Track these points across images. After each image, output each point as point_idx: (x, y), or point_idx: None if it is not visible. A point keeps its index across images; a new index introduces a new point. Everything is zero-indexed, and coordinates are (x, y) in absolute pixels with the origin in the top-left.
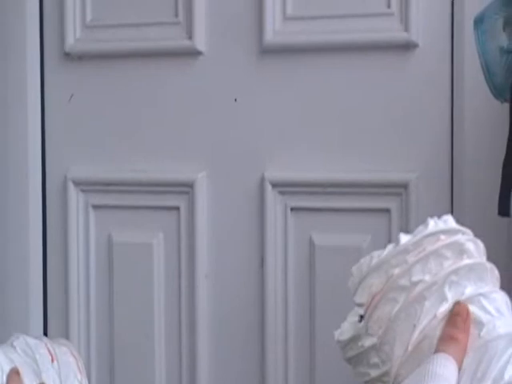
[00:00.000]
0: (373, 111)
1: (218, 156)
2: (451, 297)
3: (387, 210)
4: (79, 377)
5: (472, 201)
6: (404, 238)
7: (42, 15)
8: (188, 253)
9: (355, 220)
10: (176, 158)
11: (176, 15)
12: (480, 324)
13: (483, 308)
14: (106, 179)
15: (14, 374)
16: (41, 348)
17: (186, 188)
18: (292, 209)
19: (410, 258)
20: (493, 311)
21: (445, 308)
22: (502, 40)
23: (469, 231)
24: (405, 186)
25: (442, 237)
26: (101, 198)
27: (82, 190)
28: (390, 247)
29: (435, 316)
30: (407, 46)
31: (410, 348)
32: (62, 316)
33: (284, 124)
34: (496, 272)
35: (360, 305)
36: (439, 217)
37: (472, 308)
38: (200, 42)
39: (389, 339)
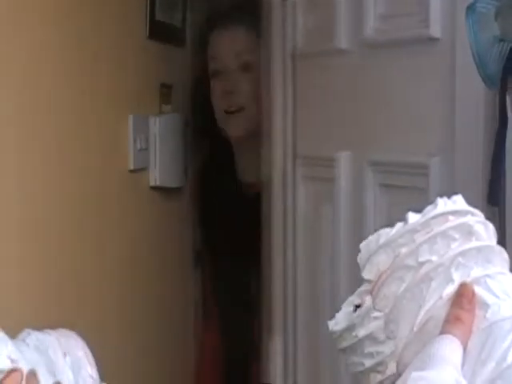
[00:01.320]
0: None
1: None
2: (457, 278)
3: None
4: (90, 371)
5: None
6: (412, 217)
7: None
8: None
9: None
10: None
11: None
12: (485, 305)
13: (489, 289)
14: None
15: (32, 376)
16: (53, 343)
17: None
18: None
19: (418, 238)
20: (499, 293)
21: (451, 289)
22: (494, 30)
23: (479, 212)
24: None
25: (451, 217)
26: None
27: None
28: (398, 225)
29: (441, 297)
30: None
31: (415, 328)
32: None
33: None
34: (505, 255)
35: (368, 281)
36: (449, 197)
37: (478, 289)
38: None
39: (395, 318)
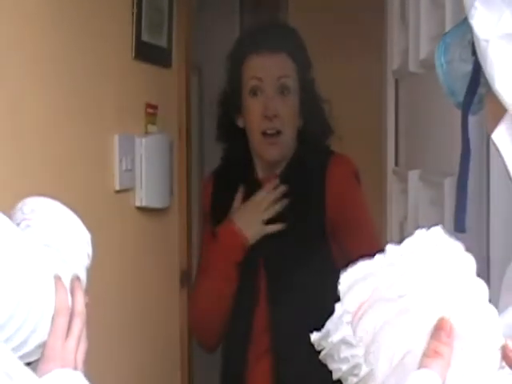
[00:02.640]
0: None
1: None
2: (435, 312)
3: None
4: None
5: None
6: (391, 250)
7: None
8: None
9: None
10: None
11: None
12: (463, 338)
13: (466, 322)
14: None
15: (77, 280)
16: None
17: None
18: None
19: (397, 271)
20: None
21: (429, 323)
22: (464, 66)
23: (458, 244)
24: None
25: (427, 252)
26: None
27: None
28: (377, 257)
29: (420, 330)
30: None
31: (393, 362)
32: None
33: None
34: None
35: (348, 312)
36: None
37: (456, 322)
38: None
39: (374, 350)
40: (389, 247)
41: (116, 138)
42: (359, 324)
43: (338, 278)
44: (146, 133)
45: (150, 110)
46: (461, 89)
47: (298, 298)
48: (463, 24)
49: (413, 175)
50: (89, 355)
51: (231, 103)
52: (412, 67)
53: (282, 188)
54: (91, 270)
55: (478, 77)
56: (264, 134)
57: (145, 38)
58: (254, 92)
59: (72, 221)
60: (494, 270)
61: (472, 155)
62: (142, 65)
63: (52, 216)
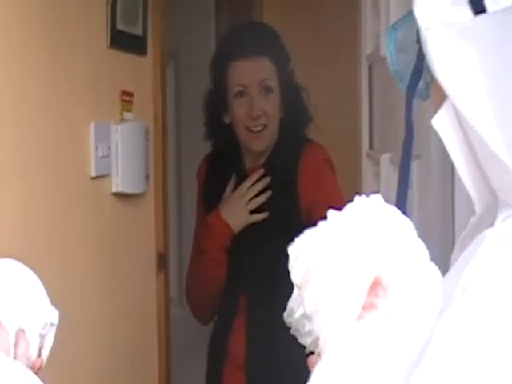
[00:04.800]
0: None
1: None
2: (373, 270)
3: None
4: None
5: None
6: (333, 216)
7: None
8: None
9: None
10: None
11: None
12: (398, 292)
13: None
14: None
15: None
16: None
17: None
18: None
19: (337, 236)
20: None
21: (368, 280)
22: (412, 54)
23: (396, 210)
24: None
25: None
26: None
27: None
28: (321, 224)
29: (359, 287)
30: None
31: (337, 321)
32: None
33: None
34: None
35: (296, 285)
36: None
37: (391, 279)
38: None
39: (322, 312)
40: (330, 213)
41: (92, 125)
42: (306, 289)
43: None
44: (122, 120)
45: (126, 98)
46: (408, 76)
47: (274, 271)
48: (411, 13)
49: (384, 158)
50: (66, 339)
51: (218, 104)
52: (383, 52)
53: (266, 180)
54: (68, 256)
55: (421, 64)
56: (249, 129)
57: (120, 26)
58: (239, 95)
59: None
60: None
61: (438, 140)
62: (117, 53)
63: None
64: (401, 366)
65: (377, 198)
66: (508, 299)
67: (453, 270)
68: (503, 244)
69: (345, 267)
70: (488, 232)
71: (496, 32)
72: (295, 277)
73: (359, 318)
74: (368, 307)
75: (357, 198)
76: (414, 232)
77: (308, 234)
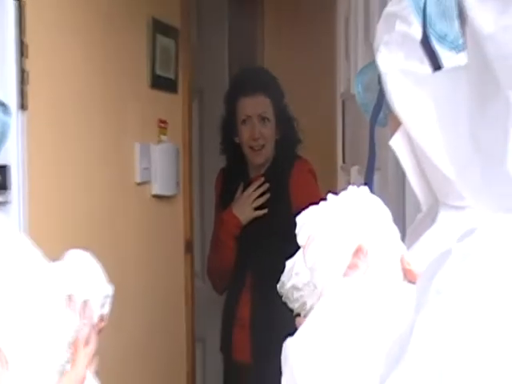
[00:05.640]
0: None
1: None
2: (357, 239)
3: None
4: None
5: None
6: (331, 198)
7: None
8: None
9: None
10: None
11: None
12: (375, 257)
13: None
14: None
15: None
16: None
17: None
18: None
19: (333, 213)
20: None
21: (353, 247)
22: (375, 92)
23: (379, 199)
24: None
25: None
26: None
27: None
28: (321, 203)
29: (346, 252)
30: None
31: (330, 274)
32: None
33: None
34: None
35: (301, 245)
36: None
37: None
38: None
39: (319, 268)
40: (329, 196)
41: (137, 145)
42: (308, 250)
43: None
44: (159, 141)
45: (162, 125)
46: (371, 109)
47: (272, 254)
48: (374, 61)
49: (353, 170)
50: (116, 306)
51: (229, 128)
52: (353, 91)
53: (266, 185)
54: (119, 243)
55: (381, 100)
56: (252, 148)
57: (158, 72)
58: (245, 122)
59: (95, 273)
60: None
61: (393, 156)
62: (156, 92)
63: (78, 265)
64: (374, 313)
65: (364, 189)
66: (479, 302)
67: (421, 278)
68: (469, 256)
69: (337, 236)
70: (454, 246)
71: (442, 82)
72: (300, 240)
73: (345, 274)
74: (352, 266)
75: (350, 187)
76: (389, 214)
77: (312, 210)
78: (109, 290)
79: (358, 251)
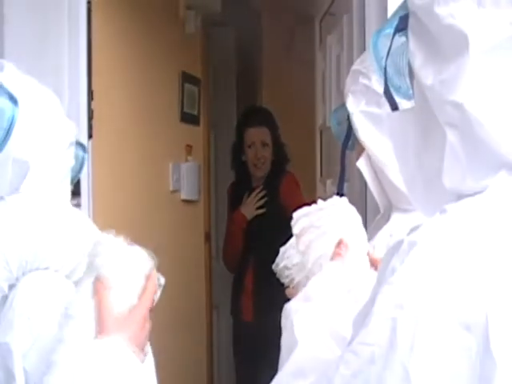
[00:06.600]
0: None
1: None
2: (339, 235)
3: None
4: None
5: None
6: (320, 202)
7: None
8: None
9: None
10: None
11: None
12: (352, 249)
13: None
14: None
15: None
16: None
17: None
18: None
19: (322, 213)
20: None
21: (336, 240)
22: (345, 126)
23: (353, 207)
24: None
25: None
26: None
27: None
28: (313, 205)
29: (331, 243)
30: None
31: (317, 259)
32: None
33: None
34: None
35: (295, 234)
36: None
37: (350, 241)
38: None
39: (309, 252)
40: (319, 201)
41: (170, 164)
42: (301, 239)
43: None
44: (186, 161)
45: (188, 148)
46: (343, 138)
47: (270, 243)
48: (344, 104)
49: (329, 182)
50: None
51: (238, 150)
52: (328, 124)
53: (263, 192)
54: (153, 236)
55: (350, 132)
56: (255, 165)
57: (185, 109)
58: (250, 147)
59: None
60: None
61: (357, 171)
62: (184, 124)
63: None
64: (352, 288)
65: (344, 199)
66: (423, 277)
67: (381, 262)
68: (416, 245)
69: (324, 230)
70: (405, 238)
71: (396, 119)
72: (295, 230)
73: (331, 259)
74: (336, 255)
75: (334, 196)
76: (360, 219)
77: (305, 209)
78: (162, 280)
79: (340, 243)
